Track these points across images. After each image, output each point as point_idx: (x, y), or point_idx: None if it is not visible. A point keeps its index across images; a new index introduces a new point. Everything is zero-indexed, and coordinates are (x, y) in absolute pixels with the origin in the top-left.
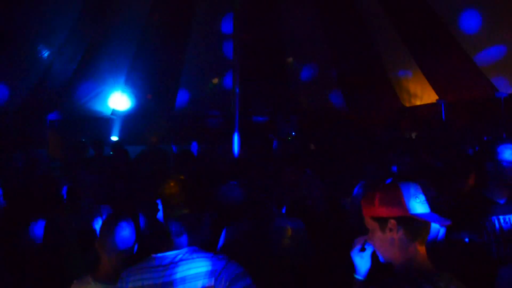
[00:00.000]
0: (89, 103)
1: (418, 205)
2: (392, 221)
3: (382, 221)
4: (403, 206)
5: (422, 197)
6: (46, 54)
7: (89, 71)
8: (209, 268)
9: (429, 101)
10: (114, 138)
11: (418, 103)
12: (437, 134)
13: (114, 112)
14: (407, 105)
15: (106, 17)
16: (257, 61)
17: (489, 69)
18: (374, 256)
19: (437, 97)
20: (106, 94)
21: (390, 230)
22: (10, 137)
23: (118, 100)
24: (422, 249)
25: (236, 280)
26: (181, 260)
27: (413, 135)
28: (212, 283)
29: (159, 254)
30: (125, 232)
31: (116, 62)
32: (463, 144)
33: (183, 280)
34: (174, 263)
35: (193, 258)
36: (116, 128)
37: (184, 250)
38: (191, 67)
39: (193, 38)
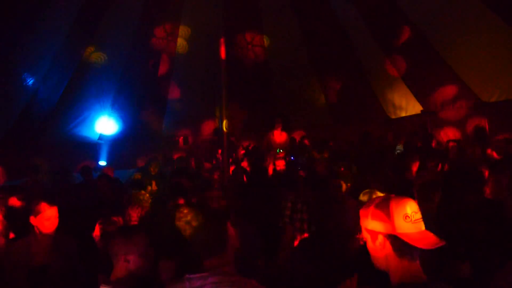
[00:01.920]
0: (76, 129)
1: (407, 225)
2: (381, 236)
3: (373, 234)
4: (391, 224)
5: (415, 216)
6: (31, 81)
7: (75, 97)
8: None
9: (413, 112)
10: (102, 162)
11: (403, 114)
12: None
13: (101, 136)
14: (393, 117)
15: (92, 41)
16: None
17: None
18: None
19: (421, 108)
20: (92, 119)
21: (379, 244)
22: None
23: (105, 125)
24: (413, 263)
25: None
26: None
27: (399, 147)
28: None
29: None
30: None
31: (102, 86)
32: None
33: None
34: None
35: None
36: (104, 152)
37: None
38: (177, 88)
39: (179, 59)
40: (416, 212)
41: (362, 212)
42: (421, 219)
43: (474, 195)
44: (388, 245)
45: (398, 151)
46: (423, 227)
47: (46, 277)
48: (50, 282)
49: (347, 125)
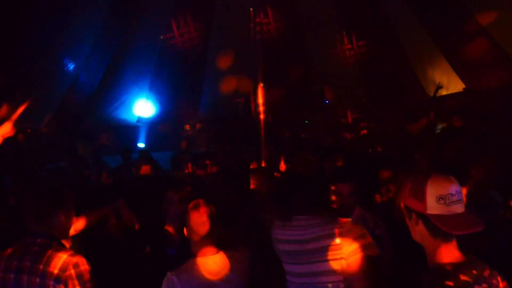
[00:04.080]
0: (115, 112)
1: (440, 206)
2: (413, 214)
3: (408, 211)
4: (424, 203)
5: (451, 197)
6: (72, 66)
7: (114, 80)
8: None
9: (456, 90)
10: (141, 145)
11: (444, 93)
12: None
13: (139, 119)
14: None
15: (129, 26)
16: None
17: None
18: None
19: (463, 86)
20: (131, 102)
21: (413, 221)
22: (43, 150)
23: (143, 108)
24: (449, 244)
25: None
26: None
27: (440, 126)
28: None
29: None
30: None
31: (139, 69)
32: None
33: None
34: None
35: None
36: (143, 135)
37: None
38: (212, 70)
39: (214, 42)
40: (453, 194)
41: (402, 187)
42: (460, 201)
43: None
44: (421, 224)
45: (438, 131)
46: (461, 209)
47: None
48: None
49: (387, 106)
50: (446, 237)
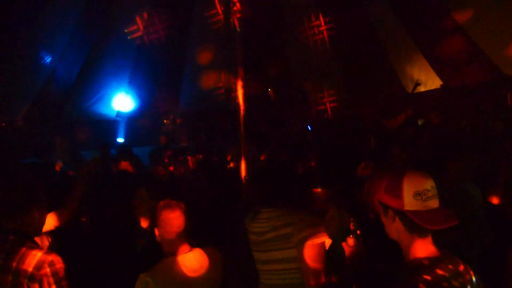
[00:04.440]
0: (94, 106)
1: (416, 202)
2: (390, 211)
3: (384, 207)
4: (401, 200)
5: (427, 193)
6: (48, 59)
7: (92, 74)
8: None
9: (433, 87)
10: (120, 140)
11: (422, 89)
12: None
13: (119, 114)
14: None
15: (107, 18)
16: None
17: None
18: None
19: (441, 83)
20: (110, 97)
21: (388, 219)
22: (19, 145)
23: (122, 102)
24: (425, 239)
25: None
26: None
27: (418, 122)
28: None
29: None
30: None
31: (119, 63)
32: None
33: None
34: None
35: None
36: (122, 130)
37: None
38: (192, 65)
39: (194, 35)
40: (429, 190)
41: (377, 184)
42: (435, 196)
43: None
44: (397, 220)
45: (416, 127)
46: (436, 204)
47: None
48: None
49: (366, 101)
50: (422, 233)
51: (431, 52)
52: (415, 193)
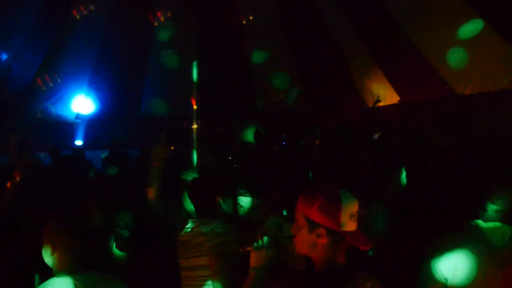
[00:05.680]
0: (51, 108)
1: (350, 223)
2: (322, 230)
3: (312, 224)
4: (337, 221)
5: (356, 214)
6: (4, 57)
7: (51, 74)
8: None
9: (391, 102)
10: (79, 142)
11: (381, 104)
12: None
13: (78, 116)
14: (371, 105)
15: (68, 17)
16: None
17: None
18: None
19: (398, 98)
20: (69, 98)
21: (317, 235)
22: None
23: (82, 104)
24: (341, 254)
25: None
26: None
27: (376, 136)
28: None
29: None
30: None
31: (79, 64)
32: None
33: None
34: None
35: None
36: (80, 132)
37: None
38: (155, 69)
39: (156, 39)
40: (357, 211)
41: (305, 197)
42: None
43: None
44: (326, 239)
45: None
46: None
47: None
48: None
49: (328, 115)
50: (342, 250)
51: (389, 71)
52: (351, 214)
